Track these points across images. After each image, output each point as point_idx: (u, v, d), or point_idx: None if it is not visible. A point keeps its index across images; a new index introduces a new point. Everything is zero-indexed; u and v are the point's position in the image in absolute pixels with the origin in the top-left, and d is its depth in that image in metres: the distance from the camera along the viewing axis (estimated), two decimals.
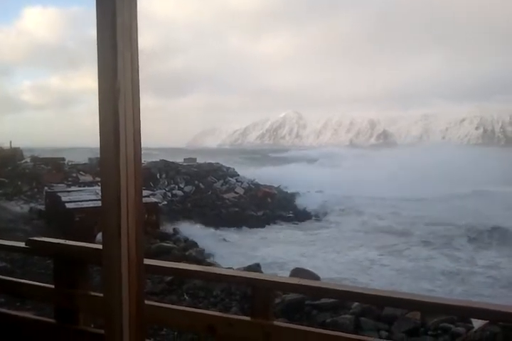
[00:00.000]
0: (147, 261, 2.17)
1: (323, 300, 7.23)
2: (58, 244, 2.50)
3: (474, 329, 6.35)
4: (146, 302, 1.98)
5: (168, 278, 8.03)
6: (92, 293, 2.36)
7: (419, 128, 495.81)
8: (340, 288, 2.09)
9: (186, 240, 13.03)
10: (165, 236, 12.61)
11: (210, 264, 10.12)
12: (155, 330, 5.94)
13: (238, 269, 10.28)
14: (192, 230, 16.08)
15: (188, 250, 10.93)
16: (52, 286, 2.49)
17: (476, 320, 6.13)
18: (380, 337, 6.46)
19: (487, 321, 5.49)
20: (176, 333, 6.09)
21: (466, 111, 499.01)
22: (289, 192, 25.69)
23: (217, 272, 2.31)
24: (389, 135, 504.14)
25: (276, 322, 2.11)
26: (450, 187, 28.72)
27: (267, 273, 9.14)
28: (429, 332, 6.63)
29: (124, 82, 1.54)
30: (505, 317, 2.05)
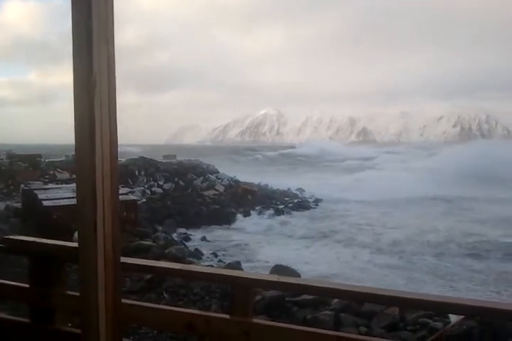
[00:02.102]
0: (125, 260, 2.15)
1: (304, 297, 7.25)
2: (34, 242, 2.46)
3: (451, 324, 6.45)
4: (124, 300, 1.96)
5: (148, 276, 7.96)
6: (69, 292, 2.33)
7: (399, 126, 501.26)
8: (319, 285, 2.09)
9: (166, 238, 12.95)
10: (144, 234, 12.50)
11: (190, 262, 10.07)
12: (134, 329, 5.89)
13: (219, 267, 10.26)
14: (172, 227, 16.02)
15: (168, 248, 10.86)
16: (27, 285, 2.45)
17: (453, 314, 6.23)
18: (360, 333, 6.51)
19: (464, 316, 5.58)
20: (155, 331, 6.05)
21: (444, 109, 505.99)
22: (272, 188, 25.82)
23: (195, 270, 2.30)
24: (368, 132, 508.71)
25: (255, 320, 2.10)
26: None
27: (246, 271, 9.14)
28: (408, 327, 6.69)
29: (99, 78, 1.51)
30: (480, 312, 2.08)
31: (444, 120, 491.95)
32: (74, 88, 1.53)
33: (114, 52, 1.56)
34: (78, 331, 1.77)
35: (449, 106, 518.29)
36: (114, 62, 1.56)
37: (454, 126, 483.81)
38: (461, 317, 5.96)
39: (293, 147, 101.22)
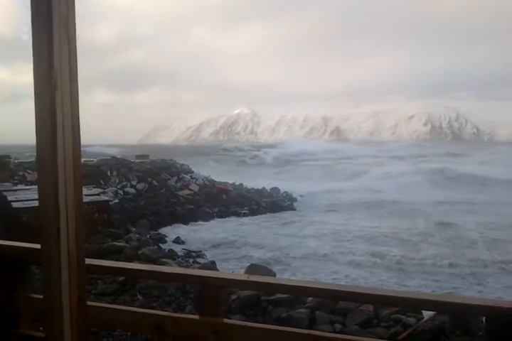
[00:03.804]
0: (94, 262, 2.11)
1: (279, 295, 7.25)
2: None
3: (424, 319, 6.55)
4: (91, 303, 1.92)
5: (121, 278, 7.85)
6: (34, 295, 2.27)
7: (371, 125, 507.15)
8: (290, 283, 2.08)
9: (139, 239, 12.80)
10: (117, 235, 12.34)
11: (164, 263, 9.97)
12: (108, 331, 5.81)
13: (193, 267, 10.20)
14: (145, 228, 15.85)
15: (141, 249, 10.73)
16: None
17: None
18: (335, 330, 6.56)
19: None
20: (129, 333, 5.98)
21: (416, 108, 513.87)
22: (247, 188, 25.71)
23: (165, 271, 2.26)
24: (341, 131, 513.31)
25: (225, 320, 2.08)
26: None
27: (217, 271, 9.09)
28: (382, 324, 6.76)
29: (61, 77, 1.47)
30: (450, 308, 2.11)
31: (415, 119, 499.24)
32: (34, 85, 1.50)
33: (75, 47, 1.52)
34: (43, 335, 1.73)
35: (421, 105, 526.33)
36: (76, 57, 1.52)
37: (425, 124, 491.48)
38: (434, 312, 6.07)
39: (274, 146, 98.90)
